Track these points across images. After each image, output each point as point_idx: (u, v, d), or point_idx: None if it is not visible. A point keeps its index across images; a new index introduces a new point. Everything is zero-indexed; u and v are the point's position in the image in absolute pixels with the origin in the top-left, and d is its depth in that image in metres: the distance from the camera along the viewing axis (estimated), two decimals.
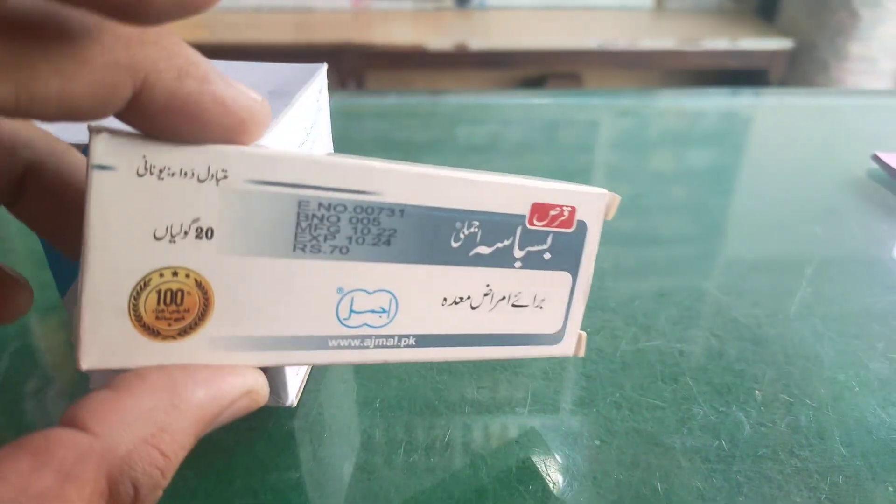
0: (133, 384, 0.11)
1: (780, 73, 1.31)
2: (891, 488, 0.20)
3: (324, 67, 0.22)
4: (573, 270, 0.16)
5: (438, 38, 1.30)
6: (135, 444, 0.11)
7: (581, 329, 0.17)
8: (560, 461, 0.21)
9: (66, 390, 0.23)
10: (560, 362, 0.25)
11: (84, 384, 0.23)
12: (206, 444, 0.20)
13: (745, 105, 0.54)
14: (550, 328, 0.16)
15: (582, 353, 0.17)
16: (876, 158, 0.40)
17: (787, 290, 0.29)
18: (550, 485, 0.20)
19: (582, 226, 0.16)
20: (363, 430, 0.22)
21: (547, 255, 0.15)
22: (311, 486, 0.20)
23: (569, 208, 0.15)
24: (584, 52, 1.30)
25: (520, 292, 0.15)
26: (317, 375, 0.23)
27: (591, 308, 0.27)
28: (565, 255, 0.16)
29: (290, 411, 0.22)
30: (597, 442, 0.21)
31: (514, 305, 0.15)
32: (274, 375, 0.20)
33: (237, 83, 0.11)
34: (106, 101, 0.10)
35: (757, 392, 0.23)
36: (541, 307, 0.16)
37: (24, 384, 0.23)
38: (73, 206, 0.13)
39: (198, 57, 0.11)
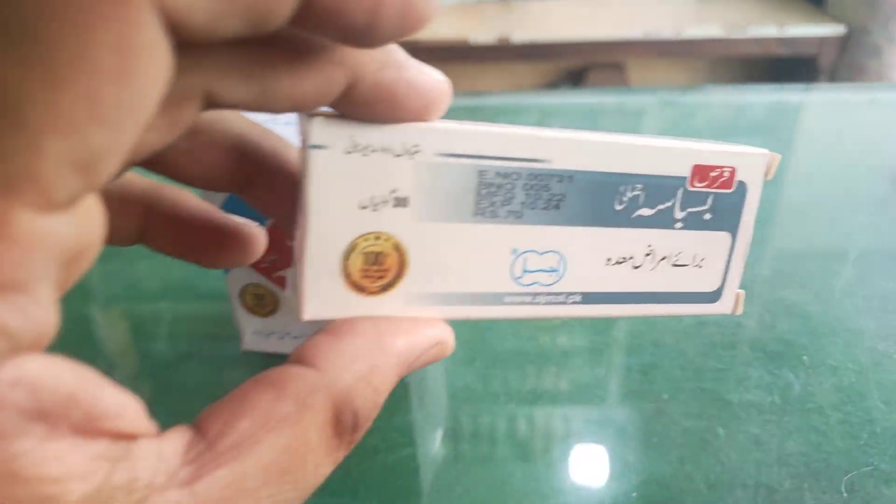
0: (347, 329, 0.13)
1: (831, 60, 1.29)
2: None
3: None
4: (733, 230, 0.16)
5: (481, 32, 1.31)
6: (354, 379, 0.12)
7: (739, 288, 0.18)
8: (633, 411, 0.25)
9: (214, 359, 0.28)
10: (632, 328, 0.29)
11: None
12: None
13: (794, 99, 0.57)
14: (709, 287, 0.17)
15: (740, 311, 0.17)
16: None
17: (832, 273, 0.32)
18: (626, 426, 0.24)
19: (742, 186, 0.16)
20: (465, 383, 0.26)
21: (707, 216, 0.16)
22: (425, 425, 0.24)
23: (729, 169, 0.16)
24: (628, 42, 1.30)
25: (680, 252, 0.16)
26: None
27: None
28: (725, 216, 0.16)
29: None
30: (665, 396, 0.25)
31: (674, 265, 0.16)
32: None
33: (425, 66, 0.13)
34: (325, 94, 0.12)
35: (805, 358, 0.27)
36: (700, 266, 0.16)
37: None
38: (196, 226, 0.15)
39: (394, 45, 0.12)
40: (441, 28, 1.34)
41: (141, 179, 0.15)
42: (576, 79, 1.50)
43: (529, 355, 0.28)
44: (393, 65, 0.12)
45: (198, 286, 0.32)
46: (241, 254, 0.16)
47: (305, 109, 0.12)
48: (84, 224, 0.09)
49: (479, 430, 0.24)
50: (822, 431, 0.24)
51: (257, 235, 0.16)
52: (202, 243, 0.16)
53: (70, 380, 0.10)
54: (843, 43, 1.27)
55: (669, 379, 0.26)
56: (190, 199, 0.16)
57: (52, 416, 0.09)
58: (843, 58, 1.28)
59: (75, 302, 0.31)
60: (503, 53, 1.32)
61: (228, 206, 0.22)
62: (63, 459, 0.09)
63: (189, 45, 0.09)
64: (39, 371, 0.09)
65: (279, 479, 0.11)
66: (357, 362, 0.12)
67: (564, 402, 0.25)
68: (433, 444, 0.24)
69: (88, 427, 0.09)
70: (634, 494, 0.22)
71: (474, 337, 0.28)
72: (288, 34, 0.11)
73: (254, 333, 0.26)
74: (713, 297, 0.17)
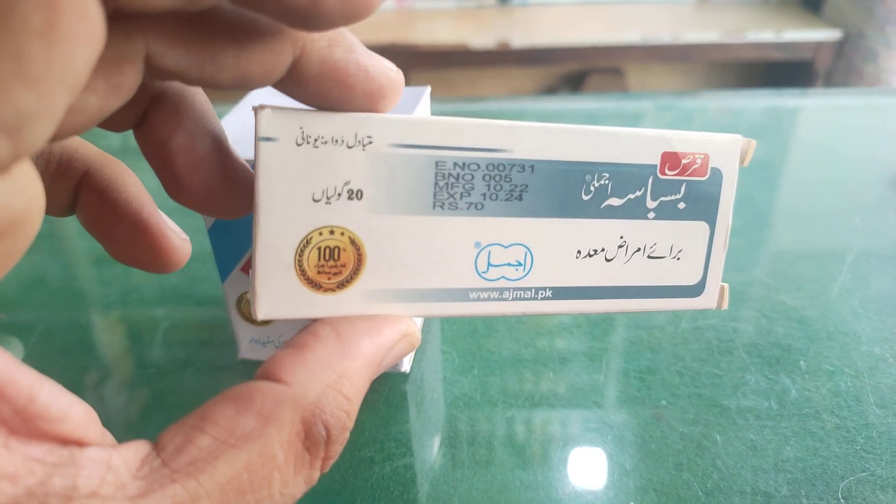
0: (308, 341, 0.12)
1: (828, 65, 1.30)
2: None
3: (427, 89, 0.26)
4: (710, 220, 0.16)
5: (481, 37, 1.32)
6: (322, 390, 0.11)
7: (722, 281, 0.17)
8: (631, 417, 0.25)
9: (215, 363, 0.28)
10: (630, 333, 0.29)
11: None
12: None
13: (790, 103, 0.57)
14: (690, 280, 0.16)
15: (725, 306, 0.17)
16: None
17: (829, 276, 0.32)
18: (623, 433, 0.24)
19: (717, 174, 0.15)
20: (463, 391, 0.26)
21: (682, 205, 0.15)
22: (423, 435, 0.24)
23: (701, 156, 0.15)
24: (627, 46, 1.31)
25: (655, 243, 0.15)
26: (423, 347, 0.28)
27: None
28: (701, 205, 0.15)
29: (404, 376, 0.27)
30: (663, 402, 0.25)
31: (649, 257, 0.15)
32: None
33: (376, 55, 0.12)
34: (271, 68, 0.11)
35: (802, 363, 0.27)
36: (678, 258, 0.16)
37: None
38: (120, 212, 0.15)
39: (344, 29, 0.12)
40: (440, 33, 1.34)
41: (89, 148, 0.15)
42: (575, 83, 1.51)
43: (527, 362, 0.28)
44: (342, 45, 0.12)
45: (195, 294, 0.33)
46: (154, 259, 0.15)
47: (251, 84, 0.12)
48: (16, 193, 0.09)
49: (477, 438, 0.24)
50: (818, 437, 0.24)
51: (178, 248, 0.15)
52: (120, 234, 0.15)
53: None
54: (840, 48, 1.28)
55: (667, 385, 0.26)
56: (129, 184, 0.15)
57: None
58: (840, 62, 1.29)
59: (72, 309, 0.31)
60: (502, 58, 1.32)
61: None
62: None
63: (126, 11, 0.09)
64: None
65: (238, 499, 0.10)
66: (323, 372, 0.12)
67: (562, 409, 0.25)
68: (431, 454, 0.24)
69: (25, 427, 0.09)
70: (632, 503, 0.22)
71: (472, 344, 0.28)
72: (233, 10, 0.11)
73: (251, 342, 0.26)
74: (695, 290, 0.16)
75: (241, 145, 0.22)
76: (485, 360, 0.28)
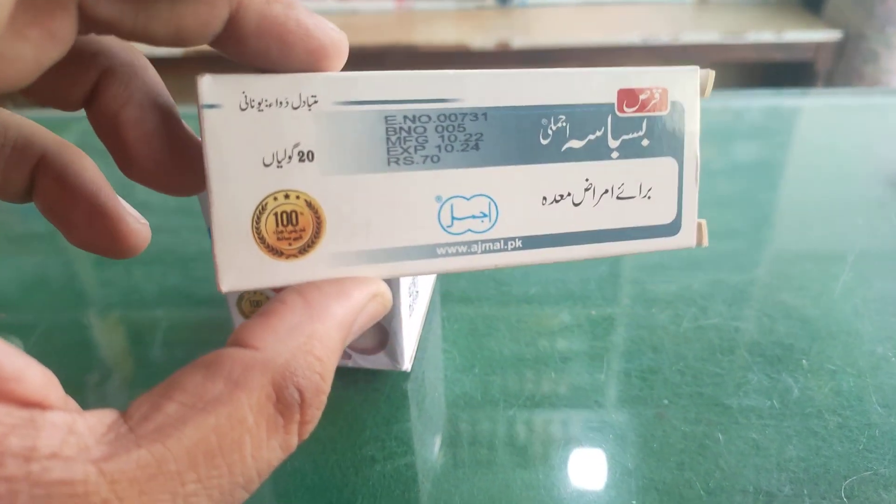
0: (276, 307, 0.12)
1: (828, 66, 1.30)
2: None
3: None
4: (677, 155, 0.15)
5: (481, 37, 1.32)
6: (291, 352, 0.11)
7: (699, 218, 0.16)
8: (633, 416, 0.25)
9: None
10: (632, 332, 0.29)
11: None
12: (341, 401, 0.25)
13: (791, 103, 0.57)
14: (664, 218, 0.16)
15: (705, 243, 0.16)
16: None
17: (831, 276, 0.32)
18: (625, 432, 0.24)
19: (677, 107, 0.15)
20: (464, 390, 0.26)
21: (645, 142, 0.15)
22: (425, 434, 0.24)
23: (659, 90, 0.15)
24: (627, 47, 1.31)
25: (623, 183, 0.15)
26: (424, 345, 0.28)
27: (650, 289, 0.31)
28: (665, 140, 0.15)
29: (405, 375, 0.27)
30: (665, 401, 0.25)
31: (619, 198, 0.15)
32: (392, 344, 0.25)
33: (317, 15, 0.12)
34: (207, 21, 0.11)
35: (804, 362, 0.27)
36: (649, 197, 0.15)
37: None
38: (77, 196, 0.14)
39: None
40: (440, 34, 1.34)
41: (45, 134, 0.15)
42: None
43: (528, 361, 0.27)
44: (282, 1, 0.12)
45: (195, 293, 0.32)
46: (112, 244, 0.15)
47: (187, 40, 0.11)
48: None
49: (478, 437, 0.24)
50: (821, 436, 0.24)
51: (136, 231, 0.15)
52: (78, 219, 0.14)
53: None
54: (840, 48, 1.28)
55: (669, 384, 0.26)
56: (85, 168, 0.15)
57: None
58: (840, 63, 1.29)
59: (72, 308, 0.31)
60: (502, 59, 1.32)
61: None
62: None
63: None
64: None
65: (207, 462, 0.10)
66: (292, 335, 0.11)
67: (564, 408, 0.25)
68: (432, 452, 0.24)
69: None
70: (634, 502, 0.22)
71: (473, 343, 0.28)
72: None
73: None
74: (671, 229, 0.16)
75: None
76: (486, 358, 0.28)
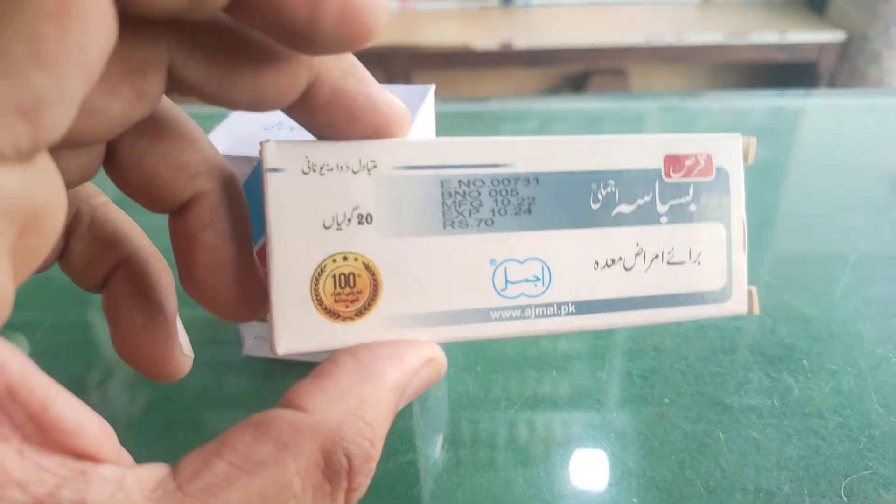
0: (329, 369, 0.12)
1: (831, 66, 1.30)
2: None
3: (432, 88, 0.26)
4: (724, 221, 0.16)
5: (484, 38, 1.32)
6: (342, 416, 0.11)
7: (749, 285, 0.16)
8: (634, 416, 0.25)
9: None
10: (633, 332, 0.29)
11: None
12: None
13: (794, 104, 0.57)
14: (714, 285, 0.16)
15: (756, 310, 0.16)
16: None
17: (832, 276, 0.32)
18: (626, 431, 0.24)
19: (722, 173, 0.15)
20: (466, 389, 0.26)
21: (693, 207, 0.15)
22: (427, 432, 0.25)
23: (703, 157, 0.15)
24: (630, 48, 1.31)
25: (673, 248, 0.15)
26: None
27: None
28: (712, 206, 0.15)
29: None
30: (666, 400, 0.25)
31: (669, 263, 0.15)
32: None
33: (387, 90, 0.13)
34: (286, 90, 0.12)
35: (804, 362, 0.27)
36: (699, 262, 0.15)
37: None
38: (141, 309, 0.14)
39: (358, 62, 0.12)
40: (443, 34, 1.35)
41: (137, 236, 0.15)
42: (577, 85, 1.51)
43: (530, 360, 0.28)
44: (356, 77, 0.12)
45: None
46: (152, 367, 0.15)
47: (265, 105, 0.12)
48: (38, 182, 0.09)
49: (480, 435, 0.24)
50: (821, 435, 0.24)
51: (181, 363, 0.15)
52: (132, 330, 0.15)
53: (14, 370, 0.09)
54: (844, 49, 1.28)
55: (670, 383, 0.26)
56: (162, 284, 0.15)
57: None
58: (843, 64, 1.29)
59: (77, 306, 0.32)
60: (505, 59, 1.32)
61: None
62: (2, 462, 0.08)
63: (145, 17, 0.09)
64: None
65: None
66: (343, 398, 0.11)
67: (565, 407, 0.25)
68: (434, 451, 0.24)
69: (38, 436, 0.09)
70: (635, 500, 0.22)
71: (475, 342, 0.29)
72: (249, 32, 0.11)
73: (256, 339, 0.26)
74: (722, 295, 0.16)
75: (245, 143, 0.22)
76: (488, 357, 0.28)
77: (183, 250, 0.13)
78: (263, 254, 0.13)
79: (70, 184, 0.12)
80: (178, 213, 0.13)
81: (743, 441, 0.24)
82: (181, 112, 0.13)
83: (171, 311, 0.15)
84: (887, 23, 1.21)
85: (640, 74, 1.51)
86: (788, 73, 1.41)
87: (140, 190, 0.13)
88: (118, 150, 0.13)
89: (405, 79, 1.34)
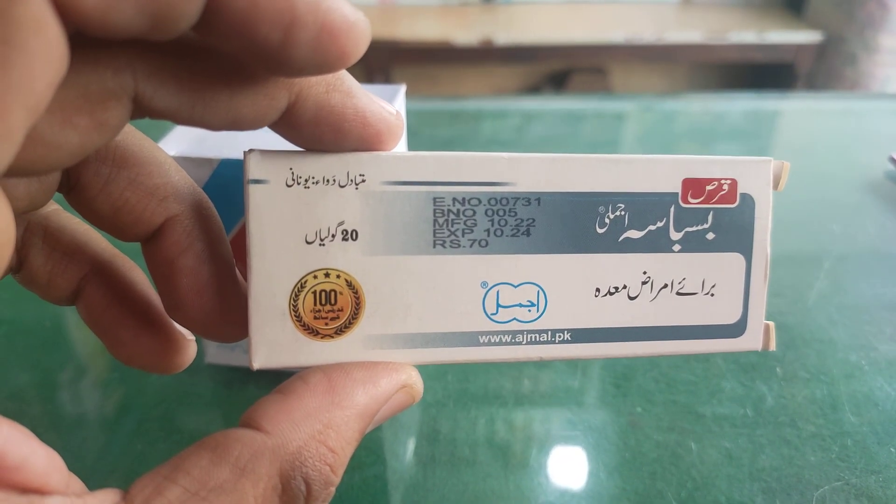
0: (297, 387, 0.12)
1: (808, 67, 1.31)
2: (893, 450, 0.23)
3: (402, 88, 0.26)
4: (745, 251, 0.14)
5: (464, 34, 1.32)
6: (304, 441, 0.11)
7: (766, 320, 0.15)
8: (606, 425, 0.24)
9: None
10: None
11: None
12: None
13: (771, 106, 0.57)
14: (728, 318, 0.14)
15: (772, 347, 0.15)
16: (892, 160, 0.43)
17: (806, 282, 0.32)
18: (598, 441, 0.24)
19: (747, 200, 0.14)
20: (436, 398, 0.26)
21: (710, 236, 0.14)
22: (395, 444, 0.24)
23: (728, 181, 0.14)
24: (610, 46, 1.31)
25: (684, 278, 0.14)
26: None
27: None
28: (733, 235, 0.14)
29: None
30: (638, 409, 0.25)
31: (678, 294, 0.14)
32: None
33: (376, 98, 0.12)
34: (264, 112, 0.11)
35: (778, 369, 0.27)
36: (712, 294, 0.14)
37: None
38: (125, 313, 0.14)
39: (345, 73, 0.12)
40: (423, 29, 1.34)
41: (98, 243, 0.14)
42: (558, 82, 1.51)
43: (502, 367, 0.27)
44: (341, 89, 0.12)
45: None
46: (160, 361, 0.14)
47: (243, 127, 0.11)
48: None
49: (449, 446, 0.24)
50: (794, 445, 0.23)
51: (185, 348, 0.15)
52: (126, 337, 0.14)
53: None
54: (821, 50, 1.30)
55: (642, 391, 0.26)
56: (136, 283, 0.14)
57: None
58: (820, 65, 1.30)
59: (47, 306, 0.30)
60: (486, 55, 1.32)
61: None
62: None
63: (110, 41, 0.09)
64: None
65: None
66: (308, 422, 0.11)
67: (537, 416, 0.25)
68: (402, 462, 0.23)
69: None
70: None
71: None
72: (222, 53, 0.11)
73: (218, 347, 0.25)
74: (736, 330, 0.15)
75: (204, 143, 0.21)
76: (459, 367, 0.27)
77: (164, 278, 0.13)
78: (236, 244, 0.13)
79: (19, 210, 0.11)
80: (152, 239, 0.13)
81: (715, 451, 0.23)
82: (142, 135, 0.13)
83: (157, 304, 0.14)
84: (863, 25, 1.23)
85: (620, 73, 1.51)
86: (766, 73, 1.43)
87: (109, 219, 0.13)
88: (81, 177, 0.12)
89: (385, 73, 1.33)
